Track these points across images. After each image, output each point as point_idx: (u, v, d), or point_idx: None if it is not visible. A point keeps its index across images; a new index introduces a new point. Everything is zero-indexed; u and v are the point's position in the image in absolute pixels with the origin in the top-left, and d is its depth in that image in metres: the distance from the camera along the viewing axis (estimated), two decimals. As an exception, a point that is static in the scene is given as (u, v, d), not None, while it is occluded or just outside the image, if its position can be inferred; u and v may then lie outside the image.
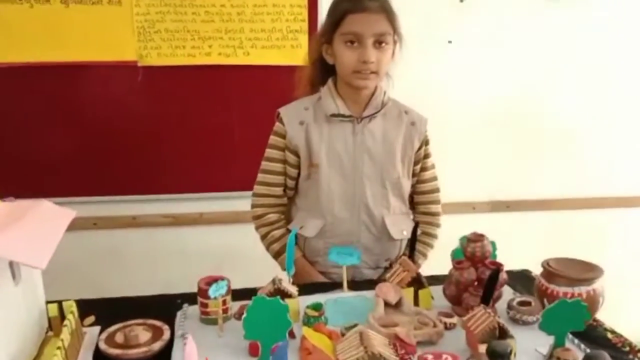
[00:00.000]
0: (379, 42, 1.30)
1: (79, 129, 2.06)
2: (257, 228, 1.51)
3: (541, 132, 2.44)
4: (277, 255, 1.47)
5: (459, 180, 2.36)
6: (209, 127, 2.14)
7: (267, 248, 1.49)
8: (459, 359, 0.82)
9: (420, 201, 1.51)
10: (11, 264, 0.91)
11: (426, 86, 2.27)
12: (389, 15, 1.32)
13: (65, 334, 0.95)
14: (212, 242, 2.23)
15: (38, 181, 2.05)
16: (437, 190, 1.52)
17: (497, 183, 2.47)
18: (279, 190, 1.48)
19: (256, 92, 2.13)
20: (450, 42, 2.29)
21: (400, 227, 1.43)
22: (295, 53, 2.13)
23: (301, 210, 1.47)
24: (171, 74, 2.07)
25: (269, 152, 1.47)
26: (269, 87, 2.11)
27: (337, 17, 1.32)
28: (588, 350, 0.97)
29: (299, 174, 1.46)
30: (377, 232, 1.42)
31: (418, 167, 1.47)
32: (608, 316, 1.17)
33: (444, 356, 0.81)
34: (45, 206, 1.00)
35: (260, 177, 1.48)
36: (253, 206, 1.51)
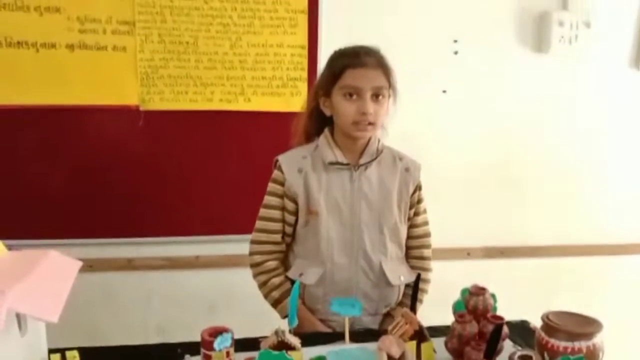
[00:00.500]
0: (376, 95, 1.37)
1: (78, 171, 2.08)
2: (255, 275, 1.51)
3: (536, 179, 2.50)
4: (276, 304, 1.48)
5: (454, 226, 2.40)
6: (208, 171, 2.16)
7: (266, 296, 1.50)
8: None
9: (412, 245, 1.53)
10: (18, 315, 0.91)
11: (422, 134, 2.34)
12: (385, 70, 1.40)
13: (69, 387, 0.94)
14: (207, 285, 2.22)
15: (35, 222, 2.05)
16: (428, 234, 1.56)
17: (492, 229, 2.50)
18: (277, 237, 1.49)
19: (256, 138, 2.17)
20: (444, 91, 2.36)
21: (398, 273, 1.45)
22: (294, 100, 2.18)
23: (299, 258, 1.48)
24: (173, 118, 2.10)
25: (268, 199, 1.49)
26: (268, 132, 2.15)
27: (336, 72, 1.38)
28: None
29: (296, 221, 1.48)
30: (375, 278, 1.43)
31: (412, 211, 1.51)
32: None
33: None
34: (52, 256, 1.01)
35: (259, 224, 1.50)
36: (251, 253, 1.52)
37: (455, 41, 2.34)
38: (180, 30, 2.07)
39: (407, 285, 1.47)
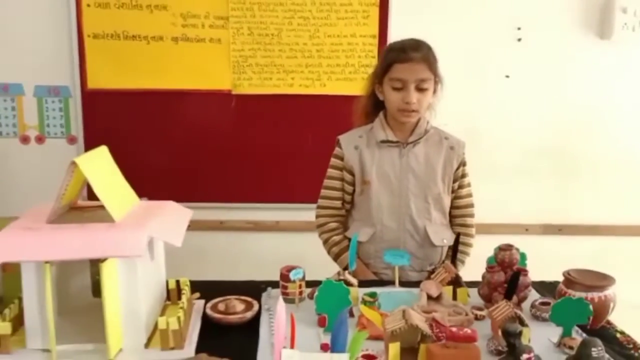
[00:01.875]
0: (419, 87, 1.58)
1: (181, 145, 2.45)
2: (320, 234, 1.80)
3: (594, 160, 2.61)
4: (336, 257, 1.75)
5: (514, 202, 2.58)
6: (288, 147, 2.47)
7: (328, 251, 1.77)
8: (476, 332, 1.07)
9: (456, 214, 1.75)
10: (150, 246, 1.25)
11: (485, 116, 2.53)
12: (429, 64, 1.59)
13: (184, 300, 1.28)
14: (285, 245, 2.53)
15: (146, 187, 2.44)
16: (471, 205, 1.75)
17: (551, 207, 2.64)
18: (338, 203, 1.76)
19: (330, 118, 2.43)
20: (507, 76, 2.52)
21: (441, 236, 1.68)
22: (365, 85, 2.42)
23: (356, 221, 1.75)
24: (259, 101, 2.43)
25: (330, 171, 1.77)
26: (341, 113, 2.39)
27: (386, 64, 1.62)
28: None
29: (354, 191, 1.74)
30: (420, 240, 1.67)
31: (456, 184, 1.71)
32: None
33: (465, 329, 1.06)
34: (171, 205, 1.35)
35: (323, 192, 1.78)
36: (317, 216, 1.81)
37: (519, 28, 2.49)
38: (266, 24, 2.38)
39: (449, 248, 1.70)
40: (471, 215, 1.76)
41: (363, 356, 1.03)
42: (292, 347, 0.99)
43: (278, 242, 2.55)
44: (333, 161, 1.76)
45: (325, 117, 2.45)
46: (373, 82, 1.70)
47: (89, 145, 2.44)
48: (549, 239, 2.62)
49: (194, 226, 2.45)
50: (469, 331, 1.05)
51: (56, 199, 1.15)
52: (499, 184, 2.55)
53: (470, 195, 1.75)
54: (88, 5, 2.35)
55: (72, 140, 2.48)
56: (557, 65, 2.52)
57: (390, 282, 1.53)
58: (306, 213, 2.47)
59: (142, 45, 2.39)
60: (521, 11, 2.47)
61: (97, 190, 1.13)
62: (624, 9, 2.42)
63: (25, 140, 2.48)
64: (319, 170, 2.41)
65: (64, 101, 2.45)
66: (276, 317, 0.99)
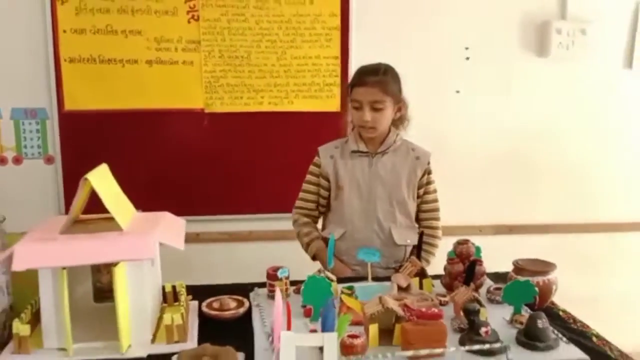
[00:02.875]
0: (374, 107, 1.78)
1: (155, 162, 2.57)
2: (294, 228, 1.99)
3: (540, 166, 2.87)
4: (307, 246, 1.94)
5: (468, 206, 2.80)
6: (259, 160, 2.63)
7: (301, 242, 1.96)
8: (442, 312, 1.26)
9: (423, 217, 1.95)
10: (151, 251, 1.38)
11: (439, 127, 2.75)
12: (383, 87, 1.78)
13: (182, 301, 1.42)
14: (259, 255, 2.67)
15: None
16: (437, 209, 1.96)
17: (502, 209, 2.88)
18: (311, 205, 1.96)
19: (297, 133, 2.62)
20: (458, 91, 2.77)
21: (405, 237, 1.87)
22: (329, 102, 2.63)
23: (331, 223, 1.94)
24: (231, 118, 2.58)
25: (307, 177, 1.97)
26: (308, 128, 2.61)
27: (349, 87, 1.84)
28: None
29: (329, 195, 1.93)
30: (385, 239, 1.86)
31: (422, 190, 1.91)
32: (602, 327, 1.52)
33: (432, 309, 1.25)
34: (168, 215, 1.49)
35: (300, 195, 1.99)
36: (293, 214, 2.00)
37: (467, 48, 2.74)
38: (236, 47, 2.55)
39: (414, 247, 1.88)
40: (437, 219, 1.96)
41: (348, 336, 1.19)
42: (289, 329, 1.16)
43: (252, 251, 2.69)
44: (311, 168, 1.96)
45: (293, 132, 2.63)
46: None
47: (67, 165, 2.55)
48: (500, 238, 2.86)
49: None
50: (436, 310, 1.24)
51: (69, 212, 1.28)
52: (454, 190, 2.76)
53: (436, 200, 1.95)
54: (64, 31, 2.46)
55: (49, 160, 2.56)
56: (502, 80, 2.78)
57: (361, 278, 1.70)
58: (277, 223, 2.64)
59: (117, 68, 2.51)
60: (468, 33, 2.72)
61: (105, 202, 1.27)
62: (559, 30, 2.72)
63: (2, 161, 2.55)
64: (288, 182, 2.58)
65: (41, 122, 2.54)
66: (275, 305, 1.16)
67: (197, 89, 2.56)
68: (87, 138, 2.53)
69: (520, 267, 1.56)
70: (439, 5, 2.68)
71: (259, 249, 2.71)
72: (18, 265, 1.15)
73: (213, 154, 2.61)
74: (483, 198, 2.85)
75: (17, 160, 2.56)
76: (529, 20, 2.75)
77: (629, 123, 2.90)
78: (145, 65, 2.53)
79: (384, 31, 2.65)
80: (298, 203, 1.99)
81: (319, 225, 2.05)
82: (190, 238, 2.63)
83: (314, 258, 1.94)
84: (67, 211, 2.49)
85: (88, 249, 1.20)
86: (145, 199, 2.53)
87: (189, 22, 2.51)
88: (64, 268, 1.20)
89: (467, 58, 2.75)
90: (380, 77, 1.79)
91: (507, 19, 2.75)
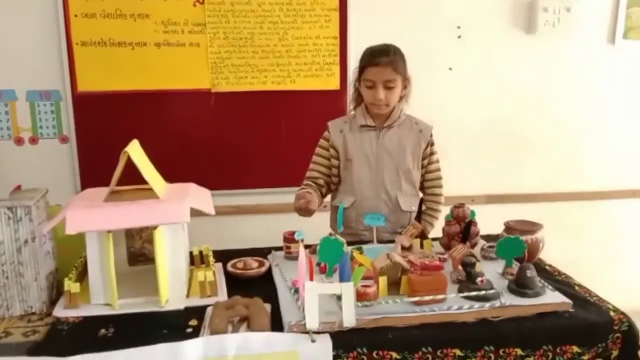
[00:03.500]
0: (387, 85, 1.93)
1: (165, 139, 2.71)
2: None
3: (528, 138, 3.05)
4: (296, 199, 1.97)
5: (461, 177, 2.97)
6: (264, 137, 2.78)
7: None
8: (443, 264, 1.43)
9: (427, 186, 2.12)
10: (181, 218, 1.54)
11: (433, 102, 2.89)
12: (394, 66, 1.93)
13: (211, 263, 1.58)
14: (267, 227, 2.83)
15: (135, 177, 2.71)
16: (440, 178, 2.12)
17: (493, 179, 3.06)
18: (316, 174, 2.10)
19: (299, 110, 2.77)
20: (450, 68, 2.92)
21: (410, 204, 2.04)
22: (329, 80, 2.77)
23: (341, 192, 2.09)
24: (236, 97, 2.72)
25: (317, 150, 2.12)
26: (309, 106, 2.75)
27: (361, 67, 1.97)
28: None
29: (339, 166, 2.07)
30: (392, 206, 2.02)
31: (425, 161, 2.07)
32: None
33: (434, 261, 1.43)
34: (193, 186, 1.65)
35: (310, 165, 2.12)
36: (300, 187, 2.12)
37: (459, 27, 2.89)
38: (240, 29, 2.68)
39: (418, 213, 2.06)
40: (439, 186, 2.13)
41: (362, 285, 1.36)
42: (311, 279, 1.33)
43: (259, 223, 2.85)
44: (321, 142, 2.11)
45: (295, 110, 2.78)
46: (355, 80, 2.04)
47: (81, 143, 2.68)
48: (492, 207, 3.04)
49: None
50: (437, 262, 1.42)
51: (112, 183, 1.43)
52: (448, 162, 2.92)
53: (438, 169, 2.12)
54: (75, 16, 2.57)
55: (64, 139, 2.69)
56: (492, 57, 2.93)
57: (369, 242, 1.88)
58: (282, 196, 2.80)
59: (127, 51, 2.64)
60: (460, 12, 2.86)
61: (144, 173, 1.42)
62: (545, 9, 2.86)
63: (19, 141, 2.68)
64: (291, 156, 2.76)
65: (55, 104, 2.66)
66: (299, 259, 1.32)
67: (204, 69, 2.69)
68: (100, 118, 2.66)
69: (510, 227, 1.73)
70: (433, -14, 2.82)
71: (265, 220, 2.87)
72: (71, 229, 1.31)
73: (219, 131, 2.76)
74: (475, 169, 3.03)
75: (33, 141, 2.69)
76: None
77: (611, 96, 3.07)
78: (153, 48, 2.65)
79: (380, 12, 2.79)
80: (307, 174, 2.12)
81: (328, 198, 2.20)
82: (199, 211, 2.81)
83: (296, 198, 1.98)
84: (82, 187, 2.65)
85: (131, 214, 1.35)
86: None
87: (194, 5, 2.63)
88: (109, 231, 1.35)
89: (459, 37, 2.89)
90: (391, 57, 1.93)
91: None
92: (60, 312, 1.41)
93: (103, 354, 1.18)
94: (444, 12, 2.85)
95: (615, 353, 1.39)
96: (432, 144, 2.09)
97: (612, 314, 1.41)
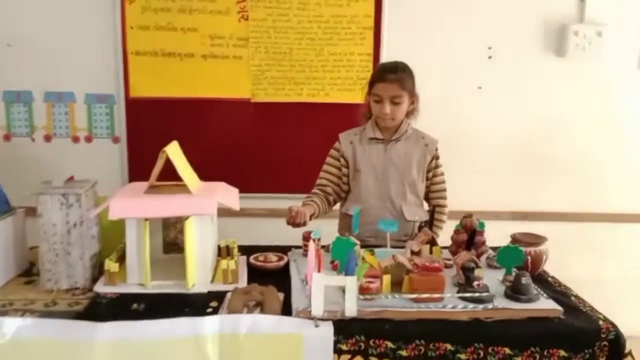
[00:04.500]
0: (393, 101, 2.06)
1: (207, 144, 2.91)
2: None
3: (556, 158, 3.11)
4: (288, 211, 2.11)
5: (486, 193, 3.07)
6: (297, 145, 2.96)
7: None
8: (442, 266, 1.56)
9: (432, 197, 2.22)
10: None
11: (461, 120, 3.02)
12: (402, 83, 2.05)
13: (235, 254, 1.76)
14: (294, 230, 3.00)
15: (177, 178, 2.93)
16: (444, 190, 2.22)
17: (518, 197, 3.14)
18: (326, 182, 2.23)
19: (332, 122, 2.90)
20: (480, 87, 3.03)
21: (414, 214, 2.14)
22: (361, 94, 2.85)
23: (349, 200, 2.22)
24: (274, 107, 2.92)
25: (328, 160, 2.26)
26: (341, 118, 2.88)
27: (371, 82, 2.11)
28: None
29: (348, 174, 2.20)
30: (397, 215, 2.12)
31: (430, 174, 2.18)
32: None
33: (434, 263, 1.55)
34: (223, 184, 1.83)
35: (320, 174, 2.26)
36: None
37: (490, 47, 3.00)
38: (280, 44, 2.88)
39: (424, 223, 2.16)
40: (444, 198, 2.23)
41: (366, 281, 1.50)
42: (319, 271, 1.48)
43: (287, 226, 3.01)
44: (331, 152, 2.25)
45: (328, 121, 2.92)
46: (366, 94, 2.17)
47: (130, 144, 2.93)
48: (516, 224, 3.09)
49: (218, 213, 2.99)
50: (437, 264, 1.55)
51: (151, 178, 1.63)
52: (474, 178, 3.05)
53: (443, 182, 2.23)
54: (131, 28, 2.83)
55: (115, 140, 2.95)
56: (522, 78, 3.03)
57: (383, 245, 2.01)
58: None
59: (176, 61, 2.88)
60: (491, 33, 2.98)
61: (179, 170, 1.61)
62: (576, 32, 2.94)
63: (76, 140, 2.95)
64: (322, 164, 2.91)
65: (110, 107, 2.93)
66: (308, 253, 1.48)
67: (245, 80, 2.90)
68: (149, 121, 2.91)
69: (516, 239, 1.84)
70: (464, 7, 2.95)
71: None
72: (113, 215, 1.51)
73: (257, 138, 2.96)
74: (500, 186, 3.11)
75: (88, 139, 2.96)
76: (548, 22, 2.99)
77: (638, 121, 3.10)
78: (200, 59, 2.88)
79: (413, 31, 2.93)
80: (316, 183, 2.25)
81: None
82: (235, 212, 3.00)
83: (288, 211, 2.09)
84: (130, 182, 2.89)
85: (165, 205, 1.54)
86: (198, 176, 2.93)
87: (239, 21, 2.85)
88: (146, 219, 1.55)
89: (490, 57, 3.00)
90: (398, 74, 2.06)
91: (528, 22, 2.99)
92: (100, 288, 1.61)
93: (133, 322, 1.36)
94: (476, 32, 2.97)
95: (602, 360, 1.48)
96: (437, 158, 2.20)
97: (600, 322, 1.50)
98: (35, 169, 2.89)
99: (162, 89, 2.89)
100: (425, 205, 2.26)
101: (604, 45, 2.96)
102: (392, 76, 2.05)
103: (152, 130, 2.89)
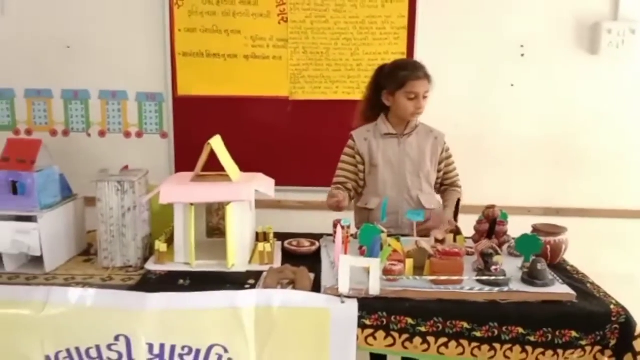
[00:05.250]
0: (425, 96, 2.18)
1: (249, 139, 3.07)
2: None
3: (588, 155, 3.14)
4: (329, 197, 2.24)
5: (520, 189, 3.13)
6: (334, 141, 3.00)
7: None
8: (462, 251, 1.67)
9: (449, 183, 2.34)
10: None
11: (495, 115, 3.10)
12: (429, 79, 2.18)
13: (270, 239, 1.92)
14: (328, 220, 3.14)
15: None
16: (457, 176, 2.36)
17: (551, 193, 3.19)
18: (342, 179, 2.33)
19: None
20: (512, 85, 3.10)
21: (430, 202, 2.27)
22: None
23: (366, 194, 2.32)
24: (310, 105, 3.07)
25: (343, 157, 2.36)
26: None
27: (400, 81, 2.17)
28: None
29: (364, 170, 2.31)
30: (415, 205, 2.23)
31: (442, 164, 2.30)
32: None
33: (454, 249, 1.66)
34: (260, 175, 1.99)
35: (337, 172, 2.37)
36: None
37: (522, 46, 3.06)
38: (317, 44, 3.02)
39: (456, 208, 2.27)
40: (459, 181, 2.36)
41: (390, 263, 1.64)
42: (345, 254, 1.62)
43: (323, 217, 3.15)
44: (346, 150, 2.36)
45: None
46: (377, 92, 2.28)
47: (177, 139, 3.14)
48: (548, 220, 3.11)
49: (258, 205, 3.16)
50: (456, 249, 1.66)
51: (197, 168, 1.81)
52: (506, 173, 3.12)
53: (455, 169, 2.36)
54: (179, 30, 3.03)
55: (164, 135, 3.16)
56: (555, 75, 3.07)
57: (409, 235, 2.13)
58: (346, 195, 3.10)
59: (220, 61, 3.06)
60: (524, 31, 3.03)
61: (222, 161, 1.79)
62: (609, 30, 2.97)
63: (127, 135, 3.18)
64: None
65: (159, 105, 3.14)
66: (336, 237, 1.62)
67: (284, 79, 3.06)
68: (195, 118, 3.10)
69: (536, 229, 1.93)
70: (497, 7, 3.01)
71: (329, 215, 3.17)
72: (163, 200, 1.69)
73: (294, 134, 3.11)
74: (533, 183, 3.17)
75: (139, 135, 3.18)
76: (581, 20, 3.02)
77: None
78: (243, 59, 3.06)
79: (446, 30, 3.02)
80: (334, 179, 2.36)
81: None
82: (273, 204, 3.17)
83: (329, 196, 2.25)
84: (176, 173, 3.09)
85: (209, 192, 1.72)
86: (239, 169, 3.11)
87: (279, 23, 3.01)
88: (192, 204, 1.72)
89: (522, 55, 3.06)
90: (426, 71, 2.19)
91: (560, 19, 3.03)
92: (151, 266, 1.80)
93: (179, 293, 1.54)
94: (508, 30, 3.03)
95: (613, 342, 1.56)
96: (447, 149, 2.32)
97: (612, 307, 1.58)
98: (90, 162, 3.12)
99: (207, 87, 3.08)
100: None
101: (638, 44, 2.98)
102: (424, 72, 2.18)
103: (197, 126, 3.09)
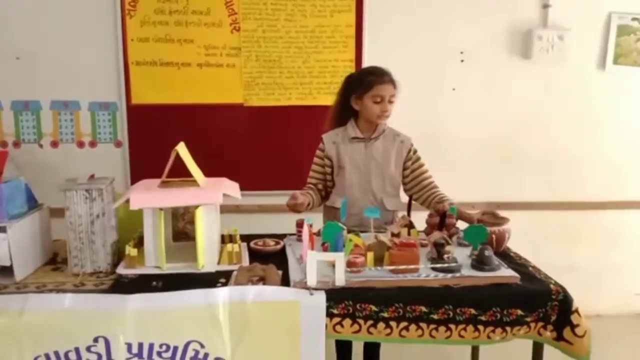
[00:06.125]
0: (390, 100, 2.31)
1: (204, 146, 3.11)
2: None
3: (527, 152, 3.41)
4: (290, 197, 2.27)
5: (463, 186, 3.31)
6: (288, 146, 3.20)
7: None
8: (416, 242, 1.82)
9: (428, 185, 2.39)
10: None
11: (437, 119, 3.30)
12: (394, 84, 2.31)
13: (237, 240, 2.00)
14: (287, 223, 3.23)
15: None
16: (431, 176, 2.42)
17: (492, 189, 3.42)
18: (314, 180, 2.46)
19: (319, 123, 3.14)
20: (454, 89, 3.31)
21: (393, 204, 2.39)
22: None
23: (334, 194, 2.45)
24: (265, 111, 3.17)
25: (315, 159, 2.49)
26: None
27: (367, 85, 2.31)
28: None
29: (332, 172, 2.43)
30: (378, 206, 2.34)
31: (409, 163, 2.40)
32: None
33: (410, 240, 1.81)
34: (225, 179, 2.08)
35: (310, 173, 2.50)
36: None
37: (462, 52, 3.28)
38: (269, 53, 3.13)
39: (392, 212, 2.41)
40: (435, 183, 2.43)
41: (353, 257, 1.76)
42: (311, 249, 1.73)
43: (279, 220, 3.24)
44: (317, 153, 2.48)
45: (315, 122, 3.14)
46: (346, 96, 2.39)
47: (132, 148, 3.17)
48: (490, 214, 3.39)
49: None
50: (412, 241, 1.81)
51: (163, 175, 1.88)
52: (451, 172, 3.29)
53: (428, 171, 2.43)
54: (132, 40, 3.07)
55: (118, 144, 3.18)
56: (492, 79, 3.32)
57: (367, 231, 2.27)
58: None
59: (174, 70, 3.12)
60: (463, 39, 3.26)
61: (189, 166, 1.86)
62: (540, 37, 3.24)
63: (81, 145, 3.18)
64: (309, 163, 3.16)
65: (112, 113, 3.16)
66: (303, 234, 1.73)
67: (238, 87, 3.15)
68: (150, 126, 3.14)
69: (481, 220, 2.10)
70: (438, 17, 3.23)
71: (285, 218, 3.26)
72: (134, 205, 1.75)
73: (250, 140, 3.20)
74: (476, 179, 3.39)
75: (92, 144, 3.19)
76: (515, 28, 3.28)
77: (603, 116, 3.41)
78: (196, 68, 3.13)
79: (391, 39, 3.21)
80: (307, 181, 2.50)
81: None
82: (231, 209, 3.25)
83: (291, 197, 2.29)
84: (132, 184, 3.12)
85: (179, 197, 1.79)
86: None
87: (231, 32, 3.10)
88: (161, 209, 1.79)
89: (462, 60, 3.28)
90: (390, 76, 2.32)
91: (497, 28, 3.28)
92: (122, 270, 1.85)
93: (157, 293, 1.60)
94: (449, 39, 3.25)
95: (553, 318, 1.74)
96: (415, 152, 2.42)
97: (551, 286, 1.77)
98: (44, 172, 3.10)
99: (162, 96, 3.12)
100: (403, 196, 2.51)
101: (566, 49, 3.25)
102: (389, 77, 2.31)
103: (152, 134, 3.13)
